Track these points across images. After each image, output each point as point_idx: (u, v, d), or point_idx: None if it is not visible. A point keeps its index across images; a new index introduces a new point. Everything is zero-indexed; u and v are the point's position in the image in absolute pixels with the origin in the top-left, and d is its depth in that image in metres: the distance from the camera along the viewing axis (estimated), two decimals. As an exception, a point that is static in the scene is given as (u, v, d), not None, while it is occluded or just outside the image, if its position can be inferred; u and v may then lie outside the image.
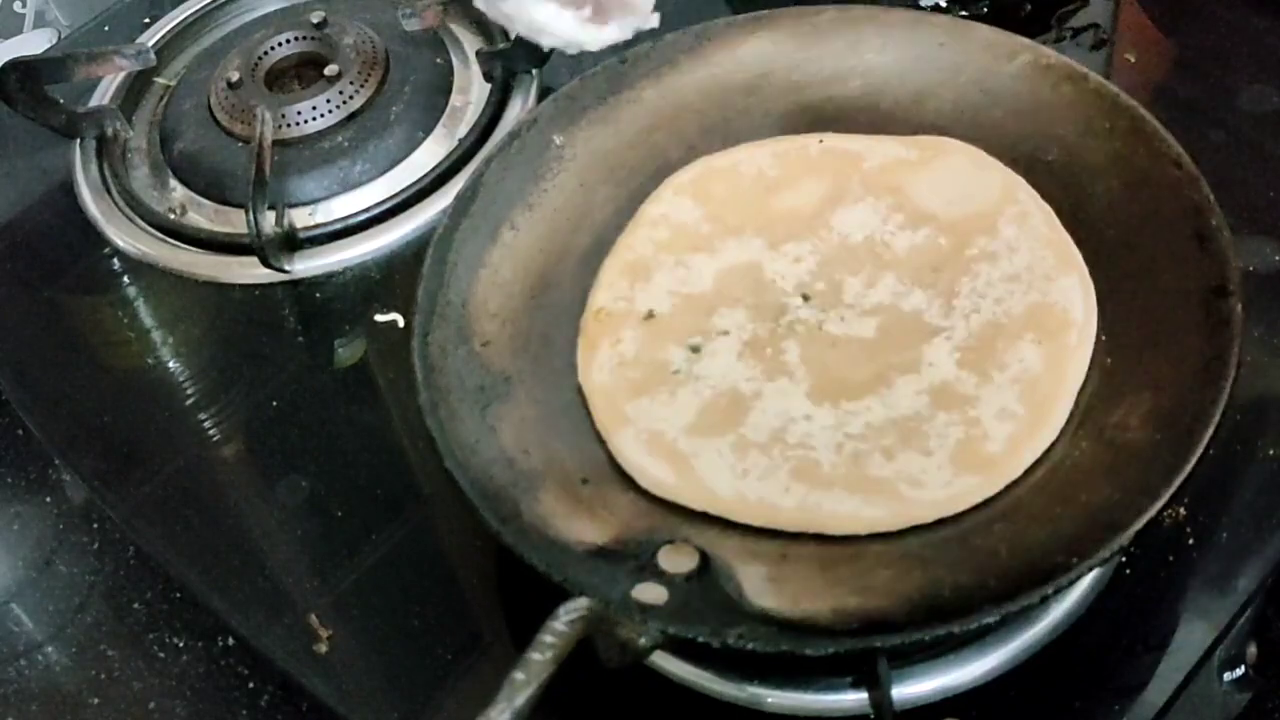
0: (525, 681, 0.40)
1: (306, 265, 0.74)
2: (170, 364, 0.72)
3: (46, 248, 0.80)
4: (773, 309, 0.58)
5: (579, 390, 0.57)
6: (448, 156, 0.77)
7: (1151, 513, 0.45)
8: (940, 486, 0.50)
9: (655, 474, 0.53)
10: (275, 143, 0.76)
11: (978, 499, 0.50)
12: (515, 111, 0.79)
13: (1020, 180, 0.59)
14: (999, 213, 0.59)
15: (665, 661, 0.54)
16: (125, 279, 0.77)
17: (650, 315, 0.59)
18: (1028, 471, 0.51)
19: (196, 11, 0.92)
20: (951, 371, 0.54)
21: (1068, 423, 0.52)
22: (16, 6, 1.05)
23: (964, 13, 0.80)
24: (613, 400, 0.56)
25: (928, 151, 0.62)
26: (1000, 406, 0.52)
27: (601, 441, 0.55)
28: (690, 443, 0.54)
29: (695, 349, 0.57)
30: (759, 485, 0.52)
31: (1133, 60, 0.77)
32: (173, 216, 0.78)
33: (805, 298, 0.58)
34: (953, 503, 0.50)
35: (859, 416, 0.53)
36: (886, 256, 0.59)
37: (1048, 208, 0.58)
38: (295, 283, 0.73)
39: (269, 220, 0.72)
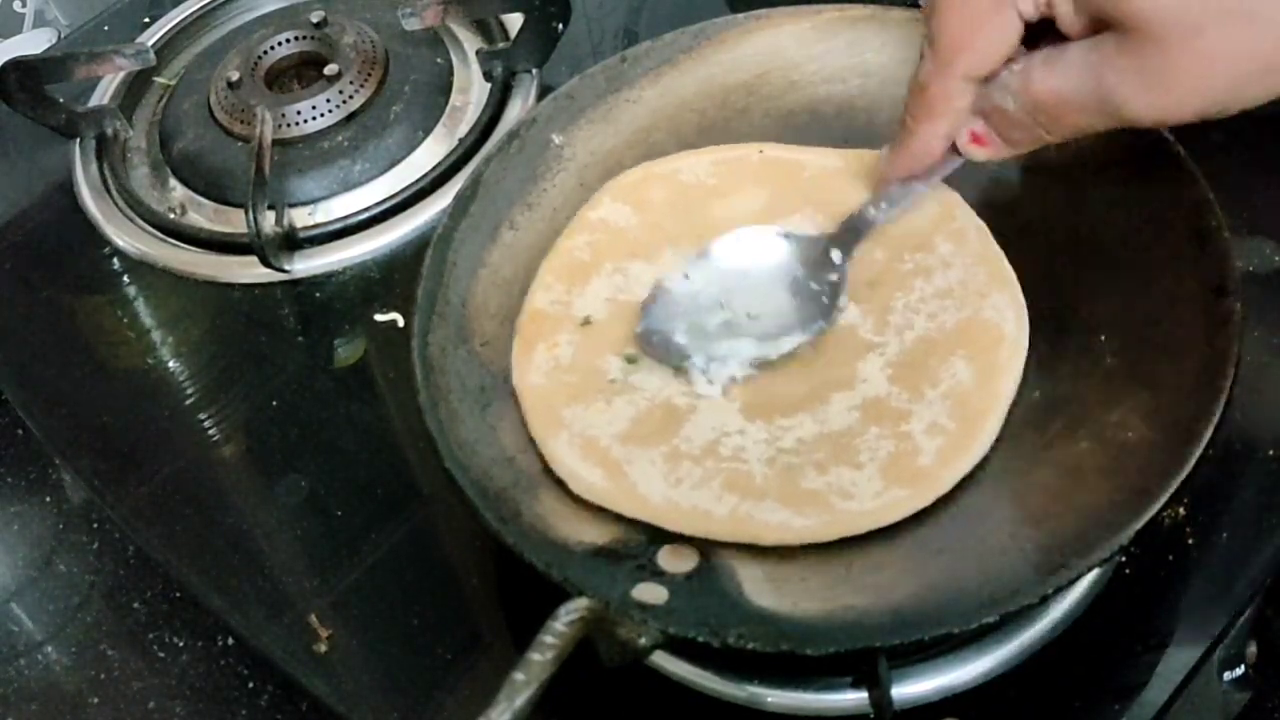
0: (525, 682, 0.40)
1: (306, 265, 0.74)
2: (170, 364, 0.72)
3: (46, 248, 0.80)
4: None
5: None
6: (448, 156, 0.77)
7: (1151, 513, 0.45)
8: (870, 498, 0.50)
9: (588, 478, 0.52)
10: (275, 142, 0.76)
11: (908, 511, 0.50)
12: (515, 111, 0.79)
13: (957, 197, 0.59)
14: (935, 229, 0.58)
15: (665, 661, 0.54)
16: (125, 279, 0.77)
17: (587, 321, 0.58)
18: (1028, 472, 0.51)
19: (196, 11, 0.92)
20: (884, 387, 0.54)
21: (1066, 425, 0.52)
22: (16, 6, 1.06)
23: (964, 12, 0.79)
24: (549, 404, 0.55)
25: (866, 164, 0.61)
26: (931, 421, 0.52)
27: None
28: (624, 450, 0.53)
29: (631, 360, 0.56)
30: (692, 494, 0.51)
31: (1133, 60, 0.77)
32: (173, 216, 0.78)
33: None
34: (882, 514, 0.50)
35: (791, 432, 0.53)
36: None
37: (983, 224, 0.58)
38: (295, 282, 0.73)
39: (269, 220, 0.72)
